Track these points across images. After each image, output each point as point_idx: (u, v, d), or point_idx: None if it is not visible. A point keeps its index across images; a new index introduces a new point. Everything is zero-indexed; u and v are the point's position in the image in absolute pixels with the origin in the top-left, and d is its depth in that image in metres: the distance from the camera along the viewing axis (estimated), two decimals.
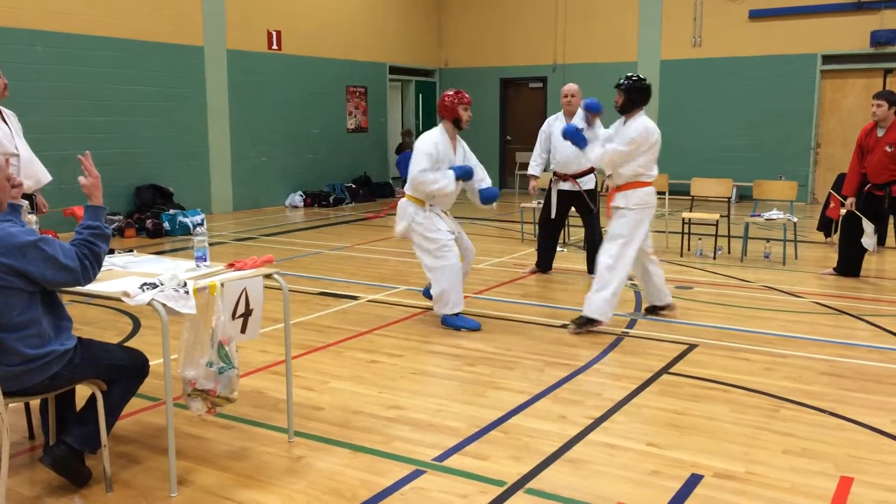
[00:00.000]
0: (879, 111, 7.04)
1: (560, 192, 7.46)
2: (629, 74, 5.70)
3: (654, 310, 6.10)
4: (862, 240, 7.24)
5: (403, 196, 5.93)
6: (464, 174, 5.81)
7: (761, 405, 4.20)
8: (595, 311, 5.58)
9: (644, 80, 5.65)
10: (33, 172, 5.03)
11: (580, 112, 7.35)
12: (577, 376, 4.69)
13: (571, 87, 7.43)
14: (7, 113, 5.07)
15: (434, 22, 17.30)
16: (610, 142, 5.70)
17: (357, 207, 13.91)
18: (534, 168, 7.70)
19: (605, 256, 5.68)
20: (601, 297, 5.56)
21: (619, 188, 5.69)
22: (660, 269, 6.01)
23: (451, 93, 5.91)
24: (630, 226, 5.63)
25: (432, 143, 5.75)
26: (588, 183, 7.41)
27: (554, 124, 7.49)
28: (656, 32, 14.92)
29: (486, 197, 5.98)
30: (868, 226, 7.18)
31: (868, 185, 7.18)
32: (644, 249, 5.83)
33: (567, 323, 5.81)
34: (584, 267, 7.67)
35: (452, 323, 5.76)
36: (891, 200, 7.02)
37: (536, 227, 8.38)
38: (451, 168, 5.77)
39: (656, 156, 5.69)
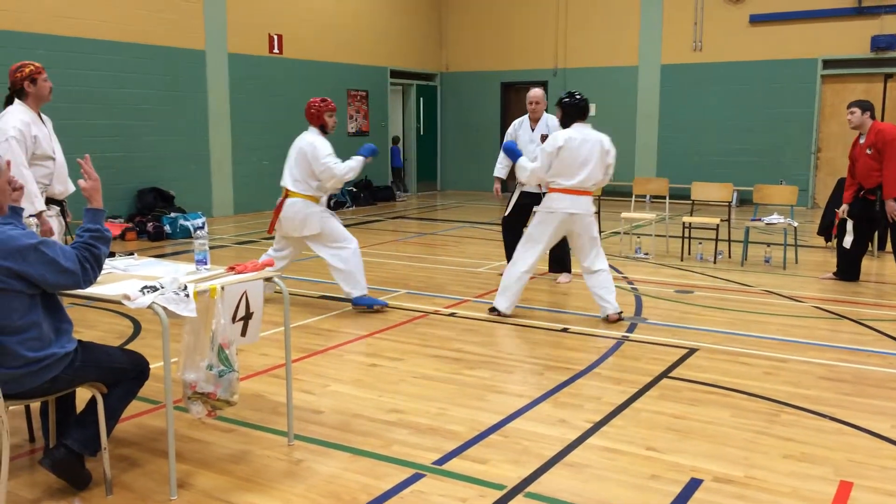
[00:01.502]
0: (854, 118, 7.18)
1: (523, 193, 7.60)
2: (569, 91, 6.15)
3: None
4: (843, 239, 7.37)
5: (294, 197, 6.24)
6: (371, 153, 6.48)
7: (761, 409, 4.20)
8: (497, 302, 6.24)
9: (578, 96, 6.04)
10: (65, 178, 5.03)
11: (545, 117, 7.49)
12: (576, 380, 4.69)
13: (536, 92, 7.58)
14: (43, 116, 5.07)
15: (435, 26, 17.33)
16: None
17: (357, 211, 13.93)
18: (499, 171, 7.81)
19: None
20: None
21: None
22: (595, 280, 6.05)
23: (318, 101, 6.40)
24: (534, 226, 6.17)
25: (324, 141, 6.27)
26: None
27: (519, 129, 7.63)
28: (657, 37, 14.94)
29: (369, 150, 6.50)
30: (849, 224, 7.32)
31: (862, 191, 7.27)
32: (581, 263, 6.13)
33: (567, 327, 5.83)
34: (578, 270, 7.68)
35: (365, 302, 6.30)
36: (881, 204, 7.07)
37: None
38: (358, 153, 6.38)
39: (573, 162, 5.87)
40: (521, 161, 6.18)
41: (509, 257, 7.89)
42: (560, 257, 7.61)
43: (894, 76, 13.18)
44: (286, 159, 6.37)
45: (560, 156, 5.86)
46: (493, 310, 6.22)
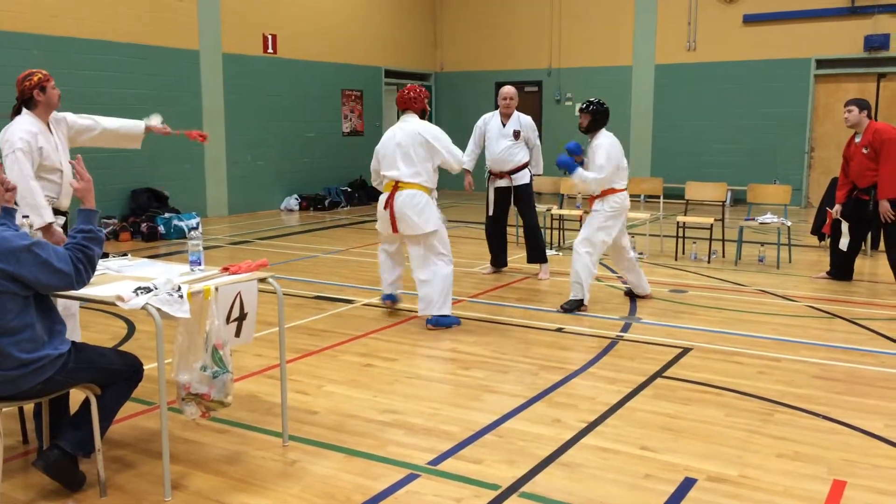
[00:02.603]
0: (851, 116, 7.19)
1: (497, 189, 7.70)
2: (591, 99, 6.35)
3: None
4: (840, 242, 7.37)
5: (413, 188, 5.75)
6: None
7: (754, 409, 4.22)
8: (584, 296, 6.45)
9: (604, 103, 6.36)
10: (71, 192, 4.95)
11: (517, 114, 7.63)
12: (571, 380, 4.70)
13: (510, 90, 7.66)
14: (58, 117, 5.01)
15: (429, 26, 17.33)
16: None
17: (353, 211, 13.92)
18: (468, 164, 7.88)
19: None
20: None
21: (596, 197, 6.38)
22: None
23: (416, 87, 6.17)
24: (599, 229, 6.32)
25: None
26: (522, 178, 7.66)
27: (490, 121, 7.70)
28: (651, 36, 14.96)
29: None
30: (844, 226, 7.34)
31: (855, 191, 7.27)
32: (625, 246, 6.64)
33: (561, 326, 5.85)
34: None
35: (444, 322, 5.83)
36: (875, 204, 7.08)
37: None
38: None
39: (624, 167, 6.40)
40: (583, 174, 6.23)
41: (494, 257, 7.97)
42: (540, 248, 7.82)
43: (887, 76, 13.22)
44: (383, 150, 5.91)
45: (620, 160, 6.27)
46: (576, 303, 6.37)
